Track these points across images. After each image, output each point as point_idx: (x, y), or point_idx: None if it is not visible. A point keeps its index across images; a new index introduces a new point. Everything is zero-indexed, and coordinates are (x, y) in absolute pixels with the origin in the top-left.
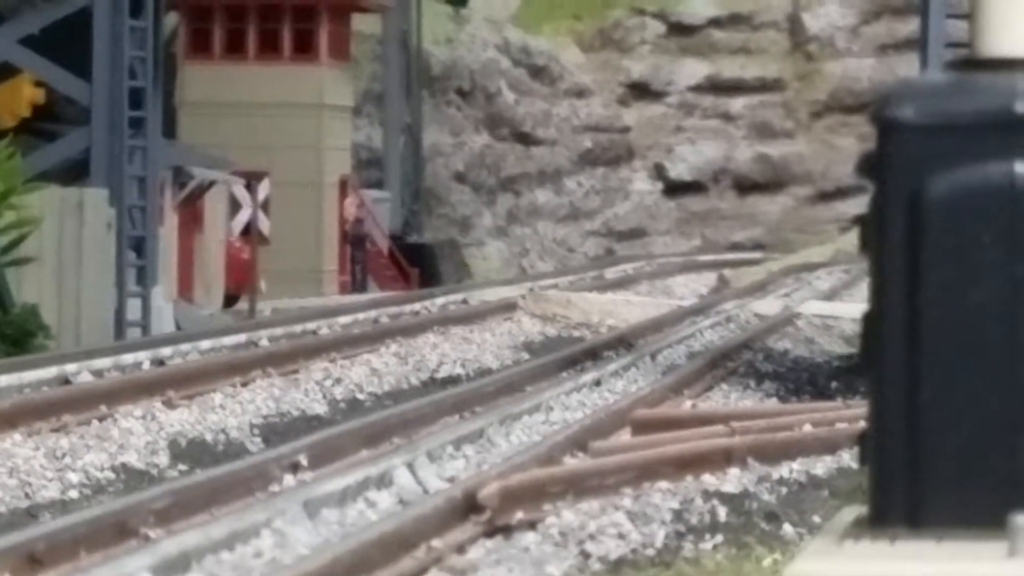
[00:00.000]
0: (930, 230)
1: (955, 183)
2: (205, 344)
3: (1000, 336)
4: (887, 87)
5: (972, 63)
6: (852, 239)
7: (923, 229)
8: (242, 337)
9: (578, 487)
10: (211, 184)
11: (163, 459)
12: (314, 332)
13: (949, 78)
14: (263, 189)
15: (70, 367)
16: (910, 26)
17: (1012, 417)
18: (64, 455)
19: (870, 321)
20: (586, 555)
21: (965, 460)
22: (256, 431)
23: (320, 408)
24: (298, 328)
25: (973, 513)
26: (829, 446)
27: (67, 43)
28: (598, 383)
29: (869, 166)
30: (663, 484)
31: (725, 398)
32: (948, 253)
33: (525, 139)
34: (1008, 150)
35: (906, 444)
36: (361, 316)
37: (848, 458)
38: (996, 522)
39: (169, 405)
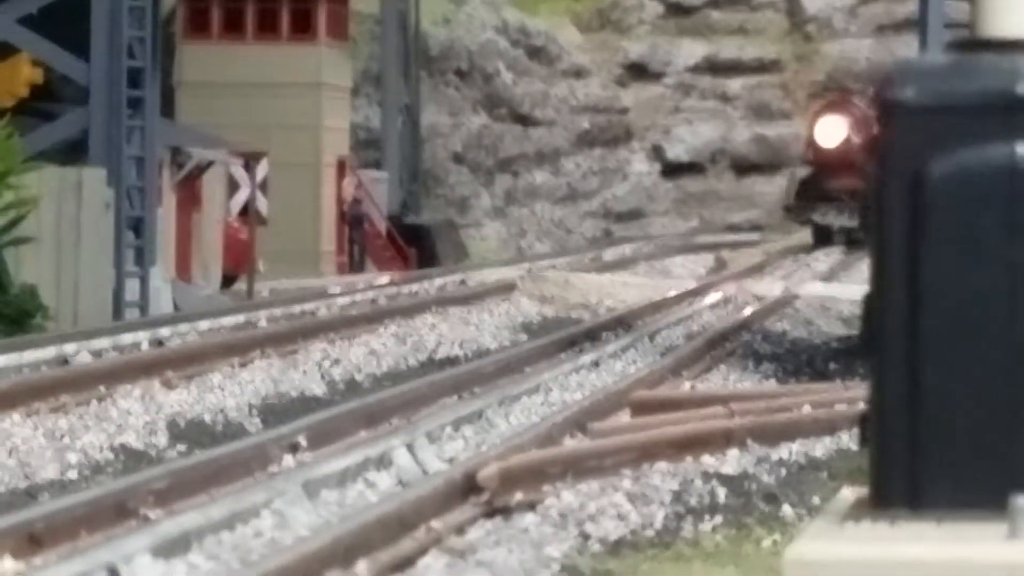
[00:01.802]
0: (931, 212)
1: (956, 165)
2: (204, 325)
3: (1000, 318)
4: (888, 68)
5: (973, 44)
6: None
7: (924, 211)
8: (240, 318)
9: (577, 468)
10: (209, 164)
11: (162, 440)
12: (312, 313)
13: (950, 59)
14: (261, 169)
15: (69, 347)
16: (908, 6)
17: (1012, 399)
18: (63, 435)
19: (871, 303)
20: (585, 536)
21: (965, 442)
22: (255, 412)
23: (319, 389)
24: (296, 309)
25: (973, 495)
26: (828, 428)
27: (65, 23)
28: (596, 364)
29: (870, 148)
30: (662, 465)
31: (724, 379)
32: (949, 235)
33: (523, 120)
34: (1009, 132)
35: (907, 426)
36: (359, 297)
37: (847, 440)
38: (996, 504)
39: (168, 385)
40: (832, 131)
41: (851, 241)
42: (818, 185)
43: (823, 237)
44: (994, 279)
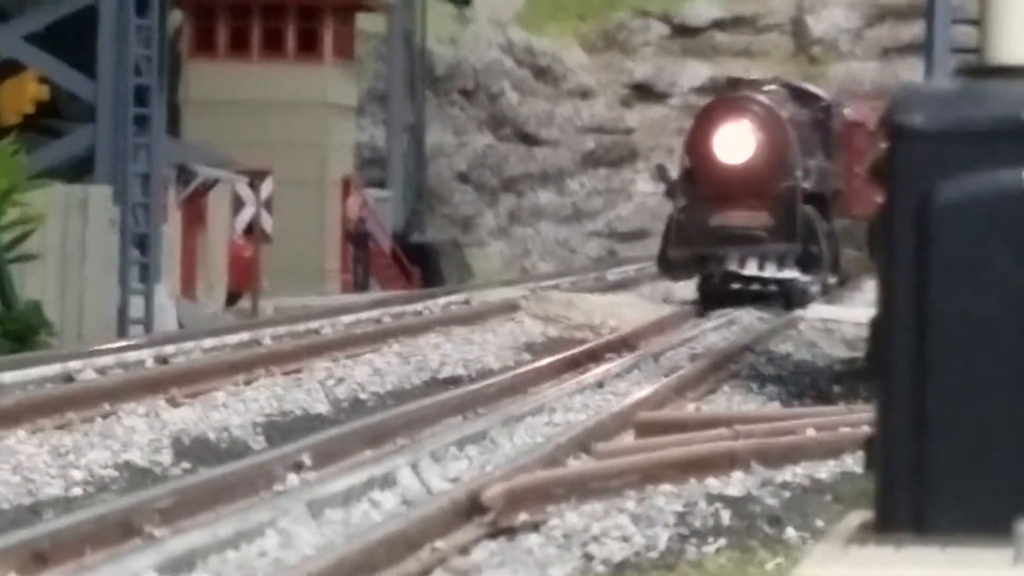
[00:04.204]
0: (939, 237)
1: (964, 190)
2: (208, 342)
3: (1008, 343)
4: (897, 93)
5: (982, 70)
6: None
7: (932, 236)
8: (245, 335)
9: (581, 489)
10: (215, 182)
11: (166, 457)
12: (317, 331)
13: (959, 85)
14: (266, 187)
15: (74, 364)
16: (913, 30)
17: (1019, 424)
18: (68, 452)
19: (878, 327)
20: (589, 557)
21: (972, 466)
22: (259, 430)
23: (323, 407)
24: (301, 327)
25: (979, 519)
26: (832, 450)
27: (73, 40)
28: (600, 385)
29: (879, 172)
30: (666, 487)
31: (728, 401)
32: (956, 260)
33: (528, 139)
34: (1017, 158)
35: (912, 450)
36: (363, 315)
37: (851, 462)
38: (1002, 529)
39: (172, 403)
40: (737, 144)
41: (786, 296)
42: (713, 221)
43: (718, 296)
44: (1002, 305)
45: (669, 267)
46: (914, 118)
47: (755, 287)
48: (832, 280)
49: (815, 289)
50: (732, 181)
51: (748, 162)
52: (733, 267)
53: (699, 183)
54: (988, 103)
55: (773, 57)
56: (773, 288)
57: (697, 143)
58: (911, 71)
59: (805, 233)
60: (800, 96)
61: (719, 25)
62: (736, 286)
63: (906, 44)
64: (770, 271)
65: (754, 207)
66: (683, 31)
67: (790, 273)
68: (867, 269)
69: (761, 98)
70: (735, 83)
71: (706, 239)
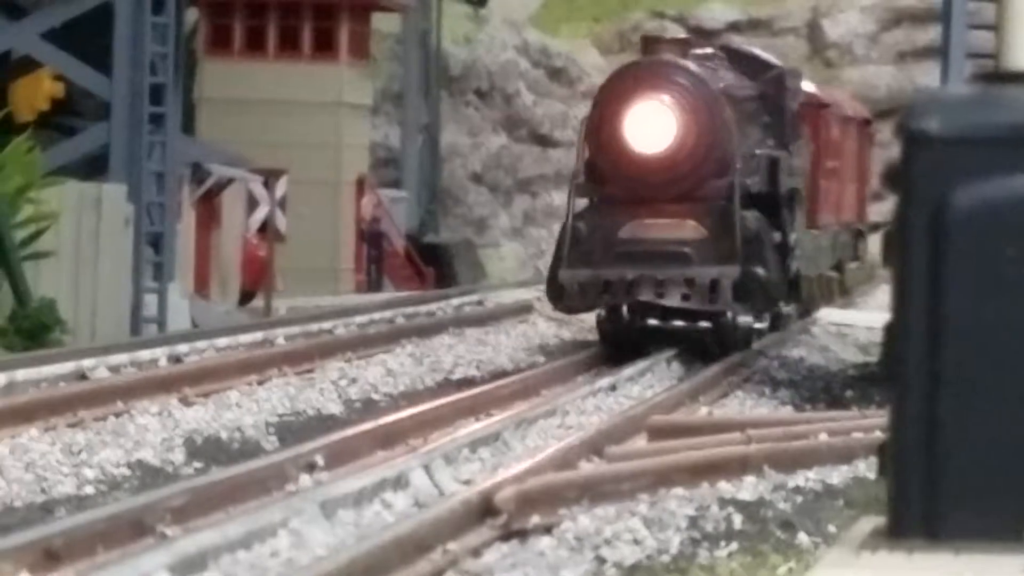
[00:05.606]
0: (953, 242)
1: (979, 196)
2: (221, 341)
3: (1021, 349)
4: (913, 99)
5: (998, 76)
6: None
7: (946, 241)
8: (258, 335)
9: (594, 492)
10: (229, 181)
11: (179, 456)
12: (330, 331)
13: (975, 91)
14: (281, 187)
15: (87, 362)
16: (929, 34)
17: None
18: (80, 451)
19: (892, 332)
20: (601, 560)
21: (984, 473)
22: (272, 430)
23: (335, 408)
24: (314, 327)
25: (991, 526)
26: (845, 455)
27: (88, 38)
28: (613, 388)
29: (894, 177)
30: (679, 490)
31: (740, 405)
32: (971, 265)
33: (542, 140)
34: None
35: (925, 456)
36: (377, 316)
37: (864, 468)
38: (1014, 535)
39: (185, 402)
40: (655, 127)
41: (719, 337)
42: (622, 233)
43: (628, 337)
44: (1015, 310)
45: (560, 294)
46: (930, 124)
47: (678, 323)
48: (787, 311)
49: (761, 326)
50: (648, 178)
51: (669, 152)
52: (647, 297)
53: (604, 181)
54: (1004, 109)
55: (788, 60)
56: (703, 325)
57: (602, 126)
58: (927, 76)
59: (747, 249)
60: (743, 63)
61: (735, 27)
62: (652, 322)
63: (922, 49)
64: (698, 302)
65: (678, 213)
66: (699, 33)
67: (726, 306)
68: (842, 294)
69: (688, 64)
70: (652, 42)
71: (612, 257)
